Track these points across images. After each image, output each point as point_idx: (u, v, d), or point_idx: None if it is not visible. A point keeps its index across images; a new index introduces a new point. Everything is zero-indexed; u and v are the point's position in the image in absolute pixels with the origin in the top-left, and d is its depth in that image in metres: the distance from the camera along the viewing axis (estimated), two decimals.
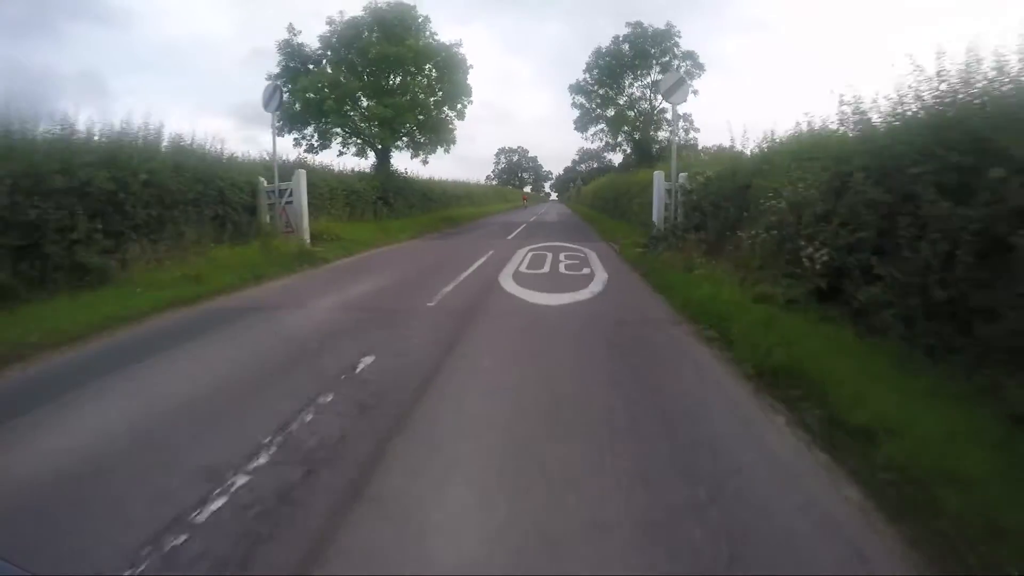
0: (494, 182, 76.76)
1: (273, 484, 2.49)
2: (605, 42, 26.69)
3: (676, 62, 25.14)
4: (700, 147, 22.92)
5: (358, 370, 4.03)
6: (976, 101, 3.68)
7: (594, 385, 3.79)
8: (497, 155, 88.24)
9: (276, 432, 3.02)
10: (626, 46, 25.42)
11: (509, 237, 15.56)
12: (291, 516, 2.26)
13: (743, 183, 7.43)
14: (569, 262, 9.85)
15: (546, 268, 9.24)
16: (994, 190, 3.20)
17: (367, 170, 22.14)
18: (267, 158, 12.32)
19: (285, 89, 23.78)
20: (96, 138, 8.54)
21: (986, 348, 3.14)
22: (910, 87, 4.29)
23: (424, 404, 3.44)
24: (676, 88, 10.74)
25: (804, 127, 7.25)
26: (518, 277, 8.29)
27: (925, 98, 4.11)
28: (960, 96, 3.80)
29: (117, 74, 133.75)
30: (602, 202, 27.25)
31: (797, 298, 4.88)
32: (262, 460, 2.73)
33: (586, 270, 8.94)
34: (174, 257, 8.54)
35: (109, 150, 8.24)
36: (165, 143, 9.61)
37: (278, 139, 15.07)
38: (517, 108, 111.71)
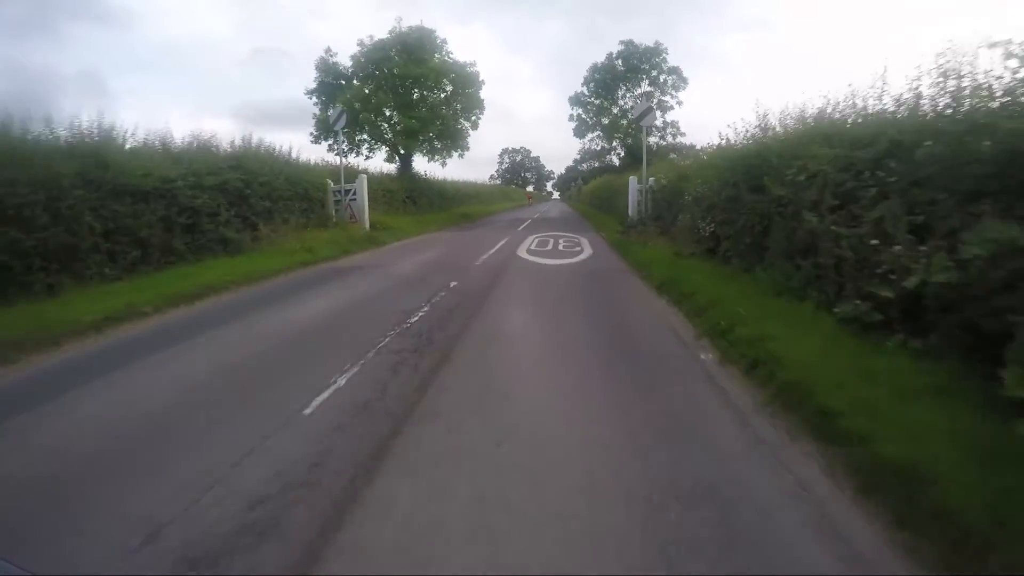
0: (498, 181, 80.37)
1: (437, 314, 6.01)
2: (605, 42, 30.57)
3: (663, 76, 28.80)
4: (698, 147, 26.47)
5: (451, 286, 7.59)
6: (766, 137, 7.26)
7: (575, 292, 7.35)
8: (501, 155, 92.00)
9: (425, 303, 6.56)
10: (619, 62, 29.17)
11: (519, 229, 19.10)
12: (448, 320, 5.79)
13: (680, 186, 10.98)
14: (565, 244, 13.39)
15: (549, 247, 12.78)
16: (766, 191, 6.74)
17: (391, 172, 25.72)
18: (317, 163, 15.90)
19: (317, 101, 27.53)
20: (228, 149, 12.13)
21: (762, 259, 6.68)
22: (746, 126, 7.87)
23: (491, 295, 7.00)
24: (645, 115, 14.33)
25: (725, 141, 10.60)
26: (530, 252, 11.84)
27: (755, 132, 7.67)
28: (758, 134, 7.38)
29: (117, 74, 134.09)
30: (598, 200, 30.80)
31: (695, 252, 8.45)
32: (426, 309, 6.26)
33: (577, 248, 12.49)
34: (284, 236, 12.10)
35: (237, 158, 11.81)
36: (262, 153, 13.19)
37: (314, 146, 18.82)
38: (519, 107, 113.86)
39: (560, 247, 12.78)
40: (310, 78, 27.00)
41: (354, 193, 14.78)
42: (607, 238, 14.74)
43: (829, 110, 6.26)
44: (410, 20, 25.73)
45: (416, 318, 5.82)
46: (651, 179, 13.90)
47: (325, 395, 3.75)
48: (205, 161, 10.86)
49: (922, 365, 3.44)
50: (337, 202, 14.91)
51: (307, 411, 3.52)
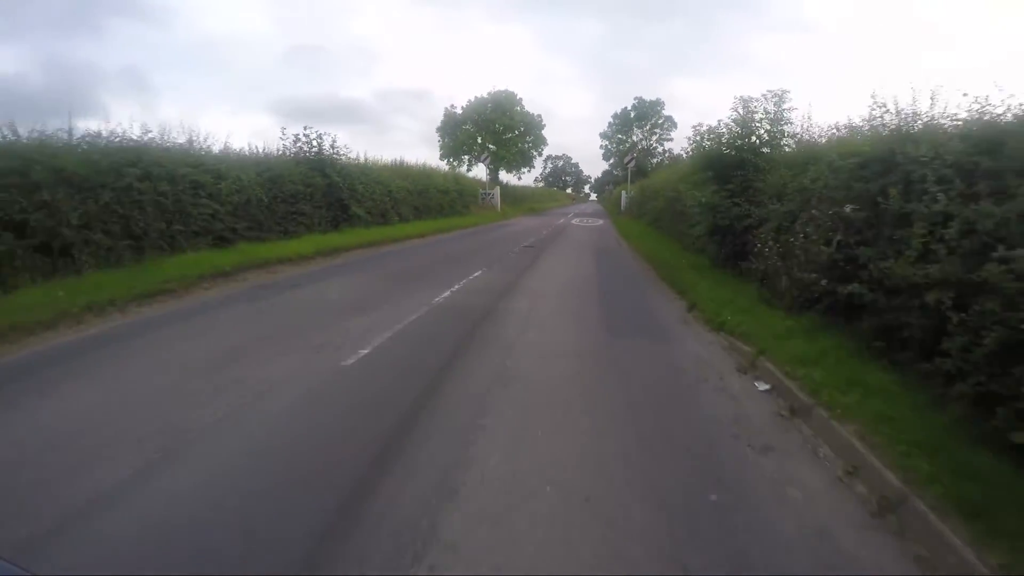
0: (541, 184, 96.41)
1: (541, 240, 22.05)
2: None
3: (661, 120, 44.68)
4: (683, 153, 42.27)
5: (543, 233, 23.69)
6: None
7: (595, 232, 23.33)
8: (544, 161, 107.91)
9: (533, 237, 22.62)
10: (632, 112, 45.18)
11: (568, 215, 35.10)
12: (548, 241, 21.80)
13: (643, 196, 26.74)
14: (591, 221, 29.30)
15: (584, 223, 28.74)
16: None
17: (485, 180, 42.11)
18: (456, 173, 32.31)
19: (441, 137, 44.07)
20: (446, 169, 28.64)
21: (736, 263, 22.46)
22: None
23: (565, 232, 23.02)
24: (632, 160, 30.10)
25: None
26: (575, 223, 27.88)
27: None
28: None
29: (158, 70, 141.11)
30: (614, 202, 46.82)
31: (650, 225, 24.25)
32: (532, 239, 22.31)
33: (599, 222, 28.41)
34: (465, 212, 28.39)
35: (457, 178, 28.21)
36: (463, 176, 29.67)
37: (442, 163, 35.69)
38: (556, 106, 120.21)
39: (588, 223, 28.75)
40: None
41: (491, 195, 31.11)
42: (613, 220, 30.69)
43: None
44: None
45: (538, 239, 21.86)
46: (631, 191, 29.74)
47: (478, 273, 19.78)
48: (436, 176, 27.26)
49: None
50: (482, 196, 31.23)
51: (475, 274, 19.53)
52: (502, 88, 42.81)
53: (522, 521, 2.68)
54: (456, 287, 9.15)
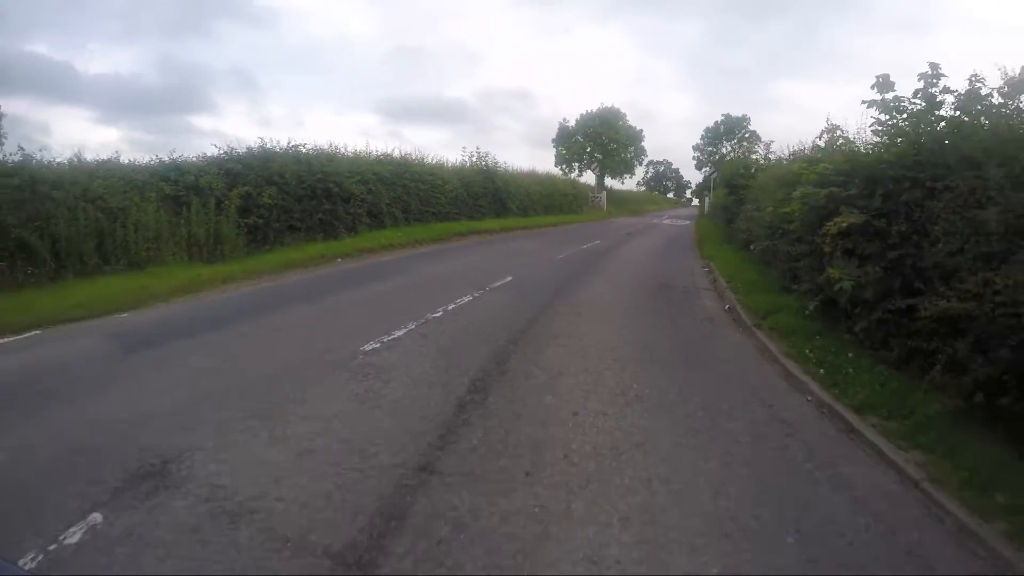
0: (643, 188, 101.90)
1: (637, 230, 28.99)
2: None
3: (747, 134, 49.77)
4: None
5: (641, 228, 30.64)
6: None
7: (681, 228, 30.00)
8: (646, 166, 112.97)
9: (631, 229, 29.61)
10: (721, 127, 50.68)
11: (661, 218, 41.61)
12: (641, 231, 28.74)
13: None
14: (679, 221, 35.72)
15: (673, 222, 35.25)
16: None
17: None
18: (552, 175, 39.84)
19: (555, 147, 52.00)
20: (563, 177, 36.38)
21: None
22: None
23: (654, 226, 29.91)
24: (714, 172, 36.08)
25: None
26: (666, 222, 34.52)
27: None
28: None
29: (266, 71, 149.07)
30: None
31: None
32: (630, 229, 29.28)
33: (686, 222, 34.82)
34: (575, 213, 35.92)
35: (573, 184, 35.87)
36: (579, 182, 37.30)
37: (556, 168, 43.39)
38: (657, 108, 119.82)
39: (678, 222, 35.24)
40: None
41: (599, 198, 38.49)
42: (696, 220, 36.88)
43: None
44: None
45: (633, 231, 28.86)
46: (711, 198, 35.83)
47: (587, 245, 26.86)
48: (559, 181, 35.00)
49: None
50: (592, 199, 38.65)
51: (560, 256, 26.63)
52: (608, 104, 49.91)
53: (577, 359, 10.17)
54: (584, 246, 16.57)
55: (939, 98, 5.68)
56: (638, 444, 3.75)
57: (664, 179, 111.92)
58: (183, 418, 3.81)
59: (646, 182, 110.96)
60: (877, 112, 6.13)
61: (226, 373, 4.78)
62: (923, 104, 5.74)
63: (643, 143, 50.53)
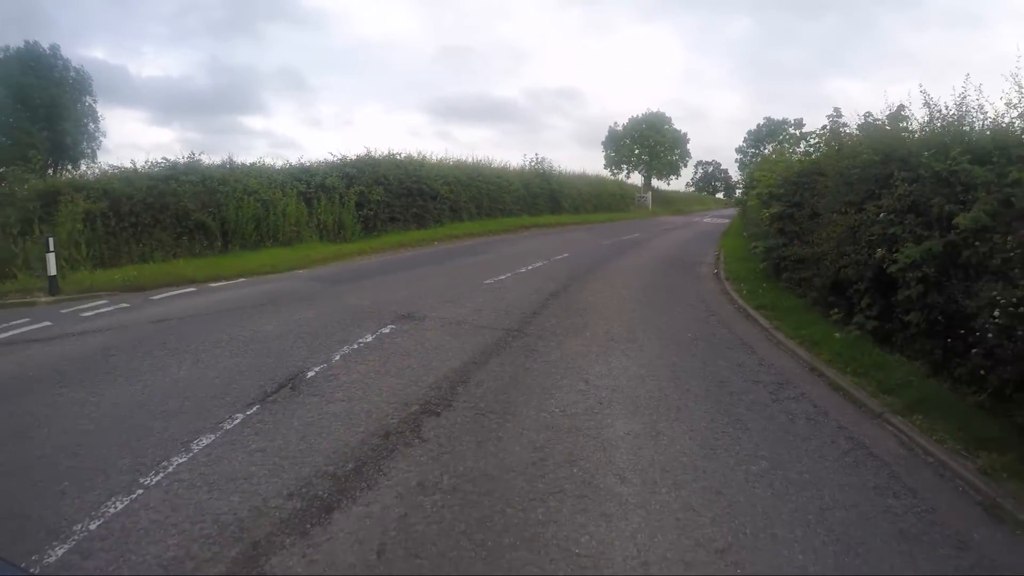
0: (692, 189, 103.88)
1: (678, 225, 32.57)
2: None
3: (788, 136, 52.06)
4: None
5: (683, 224, 34.20)
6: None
7: (709, 228, 33.43)
8: (695, 166, 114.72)
9: (672, 227, 33.18)
10: (763, 129, 53.11)
11: (703, 216, 44.80)
12: (680, 225, 32.30)
13: None
14: (718, 220, 38.96)
15: (712, 220, 38.55)
16: None
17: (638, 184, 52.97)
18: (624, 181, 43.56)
19: (605, 149, 55.87)
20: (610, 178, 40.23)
21: None
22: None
23: (693, 223, 33.45)
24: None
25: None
26: (706, 220, 37.89)
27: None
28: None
29: (314, 72, 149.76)
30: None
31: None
32: (672, 227, 32.85)
33: (725, 221, 38.07)
34: (622, 211, 39.72)
35: (619, 183, 39.71)
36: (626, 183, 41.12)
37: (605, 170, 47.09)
38: (707, 107, 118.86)
39: (716, 220, 38.52)
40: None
41: (645, 199, 42.18)
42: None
43: None
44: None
45: (671, 227, 32.45)
46: None
47: (628, 237, 30.54)
48: (608, 182, 38.95)
49: None
50: (638, 199, 42.37)
51: (605, 243, 30.32)
52: (655, 109, 53.42)
53: (609, 288, 14.24)
54: (626, 237, 20.52)
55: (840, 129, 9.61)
56: (635, 309, 7.96)
57: (713, 179, 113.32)
58: (408, 303, 8.20)
59: (695, 183, 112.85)
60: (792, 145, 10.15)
61: (412, 289, 9.22)
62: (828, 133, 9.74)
63: (688, 145, 53.67)
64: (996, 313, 4.52)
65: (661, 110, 53.51)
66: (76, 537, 2.82)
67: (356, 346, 5.90)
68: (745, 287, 9.83)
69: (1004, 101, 6.04)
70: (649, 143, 52.33)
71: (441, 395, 4.65)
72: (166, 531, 2.85)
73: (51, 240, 9.61)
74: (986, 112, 6.34)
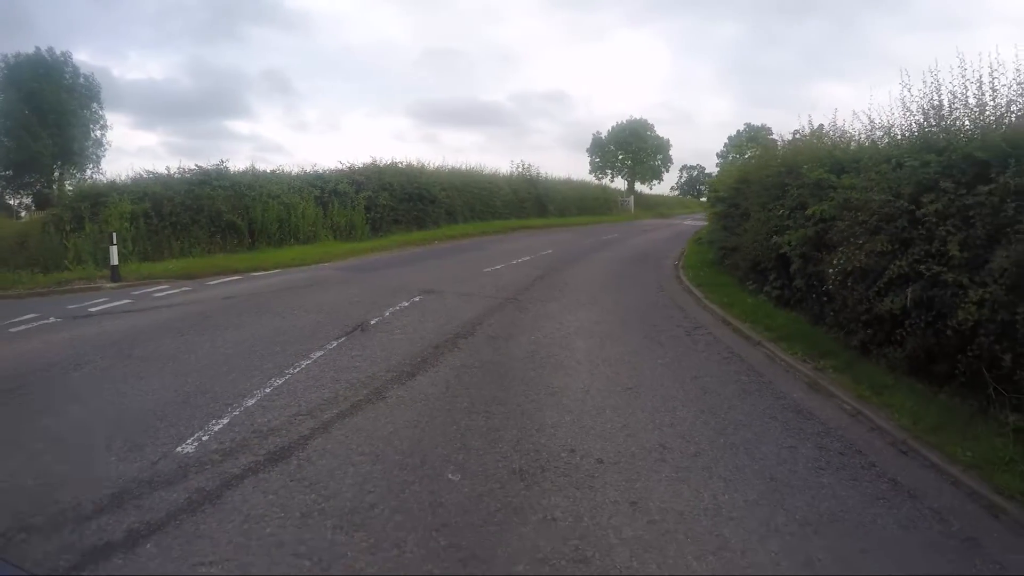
0: (676, 193, 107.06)
1: (659, 231, 35.15)
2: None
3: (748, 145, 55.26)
4: None
5: (663, 227, 36.81)
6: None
7: (684, 230, 36.12)
8: (680, 170, 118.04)
9: (653, 229, 35.76)
10: (744, 135, 56.23)
11: (683, 219, 47.49)
12: (643, 232, 34.91)
13: None
14: (696, 222, 41.66)
15: (691, 223, 41.21)
16: None
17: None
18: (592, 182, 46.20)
19: (590, 152, 58.57)
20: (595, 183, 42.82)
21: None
22: None
23: (673, 225, 36.09)
24: None
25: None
26: (687, 223, 40.57)
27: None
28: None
29: (300, 76, 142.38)
30: None
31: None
32: (654, 232, 35.45)
33: (703, 223, 40.81)
34: (604, 214, 42.31)
35: (603, 188, 42.29)
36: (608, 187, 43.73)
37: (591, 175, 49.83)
38: (693, 111, 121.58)
39: (694, 222, 41.24)
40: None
41: (627, 203, 44.82)
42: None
43: None
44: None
45: (650, 229, 34.99)
46: None
47: (608, 237, 33.12)
48: (591, 187, 41.48)
49: None
50: (620, 203, 44.99)
51: (586, 242, 32.87)
52: (637, 117, 56.28)
53: (584, 273, 16.71)
54: (605, 237, 22.96)
55: (769, 145, 12.15)
56: (602, 286, 10.37)
57: (698, 183, 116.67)
58: (428, 283, 10.53)
59: (680, 186, 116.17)
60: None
61: (427, 275, 11.56)
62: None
63: (672, 151, 56.58)
64: (831, 272, 6.99)
65: (645, 116, 56.72)
66: (257, 395, 4.98)
67: (398, 308, 8.24)
68: (693, 272, 12.31)
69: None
70: (632, 149, 55.12)
71: (466, 330, 7.03)
72: (320, 387, 5.15)
73: (114, 235, 11.86)
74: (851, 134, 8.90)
